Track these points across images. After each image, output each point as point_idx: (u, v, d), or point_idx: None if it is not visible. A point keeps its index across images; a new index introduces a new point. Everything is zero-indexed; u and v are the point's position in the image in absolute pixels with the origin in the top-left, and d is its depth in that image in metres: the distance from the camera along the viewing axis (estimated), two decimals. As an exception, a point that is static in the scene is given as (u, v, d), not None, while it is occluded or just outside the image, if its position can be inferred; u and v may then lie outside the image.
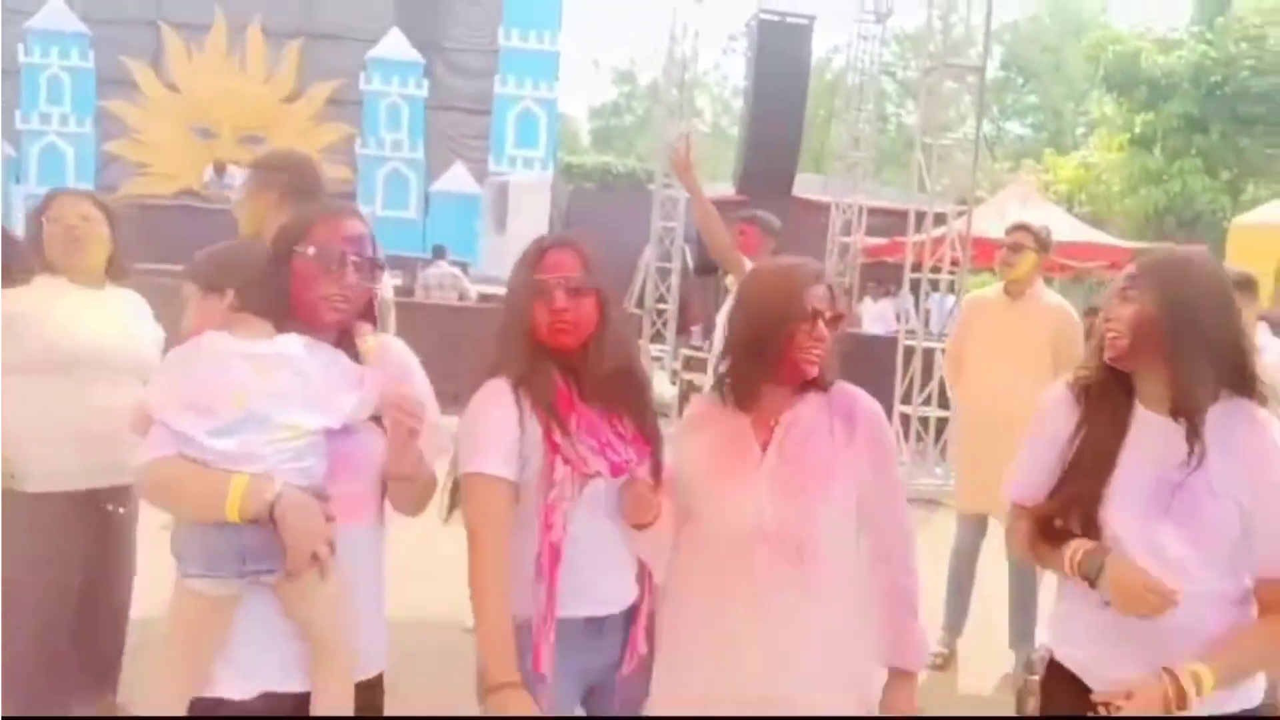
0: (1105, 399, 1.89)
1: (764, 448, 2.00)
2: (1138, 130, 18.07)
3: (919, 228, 8.48)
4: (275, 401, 1.78)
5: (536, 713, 1.82)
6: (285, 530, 1.73)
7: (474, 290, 11.09)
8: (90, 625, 2.97)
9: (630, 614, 2.05)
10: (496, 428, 1.91)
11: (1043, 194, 14.89)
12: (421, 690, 2.07)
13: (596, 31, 44.28)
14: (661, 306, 12.94)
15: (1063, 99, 30.90)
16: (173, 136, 15.94)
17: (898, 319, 13.76)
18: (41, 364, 2.74)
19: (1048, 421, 1.98)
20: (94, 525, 2.88)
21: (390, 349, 2.04)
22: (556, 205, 16.56)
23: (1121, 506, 1.83)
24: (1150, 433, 1.83)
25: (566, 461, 1.89)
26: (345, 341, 1.93)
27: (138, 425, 1.85)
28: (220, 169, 13.25)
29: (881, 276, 13.82)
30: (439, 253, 11.39)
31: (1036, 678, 2.01)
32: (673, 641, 2.05)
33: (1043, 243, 4.42)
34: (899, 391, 8.03)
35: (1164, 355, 1.79)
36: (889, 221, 14.36)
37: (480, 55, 17.04)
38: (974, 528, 4.49)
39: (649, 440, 2.02)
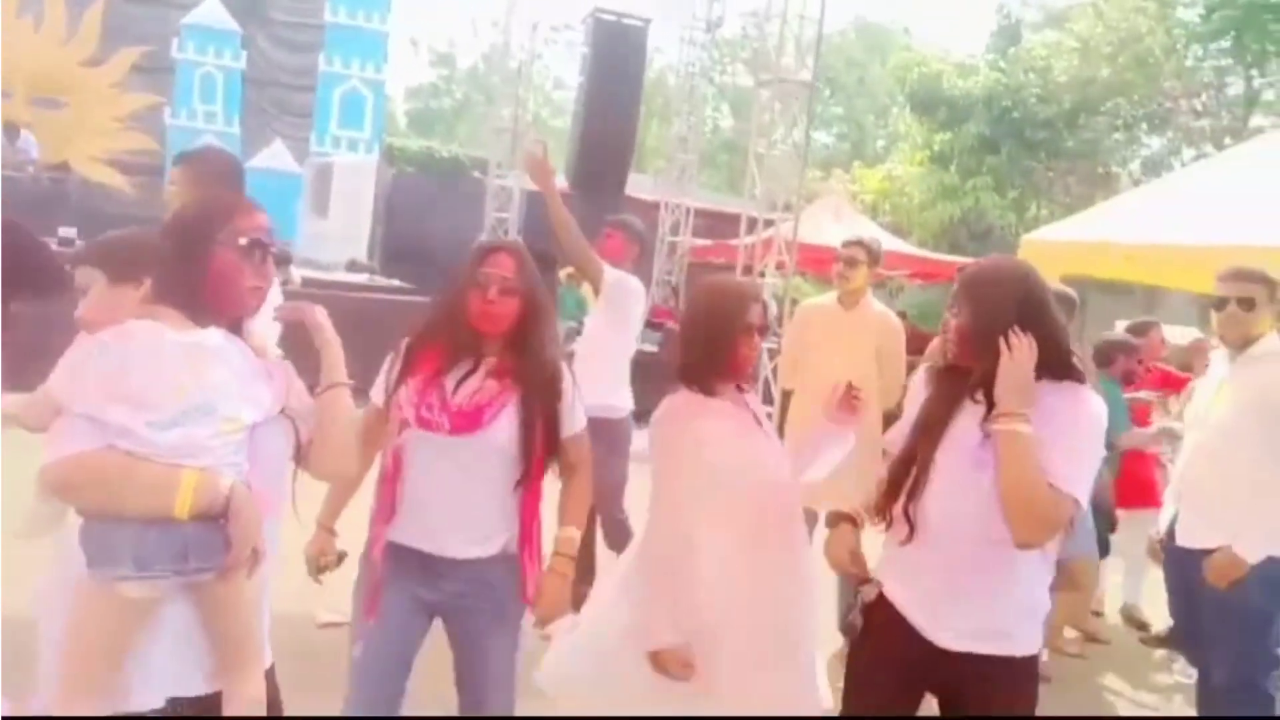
0: (945, 383, 2.31)
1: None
2: (936, 148, 19.44)
3: (741, 232, 8.89)
4: (214, 394, 1.75)
5: None
6: (237, 526, 1.70)
7: (298, 275, 10.72)
8: None
9: (478, 568, 2.40)
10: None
11: (851, 204, 15.80)
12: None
13: (413, 9, 43.06)
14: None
15: (864, 112, 32.77)
16: (-47, 95, 14.54)
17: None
18: None
19: (911, 397, 2.43)
20: None
21: (266, 341, 2.04)
22: (380, 189, 16.17)
23: (948, 457, 2.23)
24: (974, 409, 2.22)
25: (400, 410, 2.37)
26: (235, 332, 1.90)
27: (32, 418, 1.76)
28: (13, 132, 12.24)
29: (706, 276, 14.33)
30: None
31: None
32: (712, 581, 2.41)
33: (875, 256, 4.79)
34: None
35: (975, 355, 2.19)
36: (713, 223, 14.92)
37: (306, 30, 16.42)
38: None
39: (526, 424, 2.40)
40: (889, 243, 13.96)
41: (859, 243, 4.79)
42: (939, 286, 16.50)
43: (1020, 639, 2.22)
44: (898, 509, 2.29)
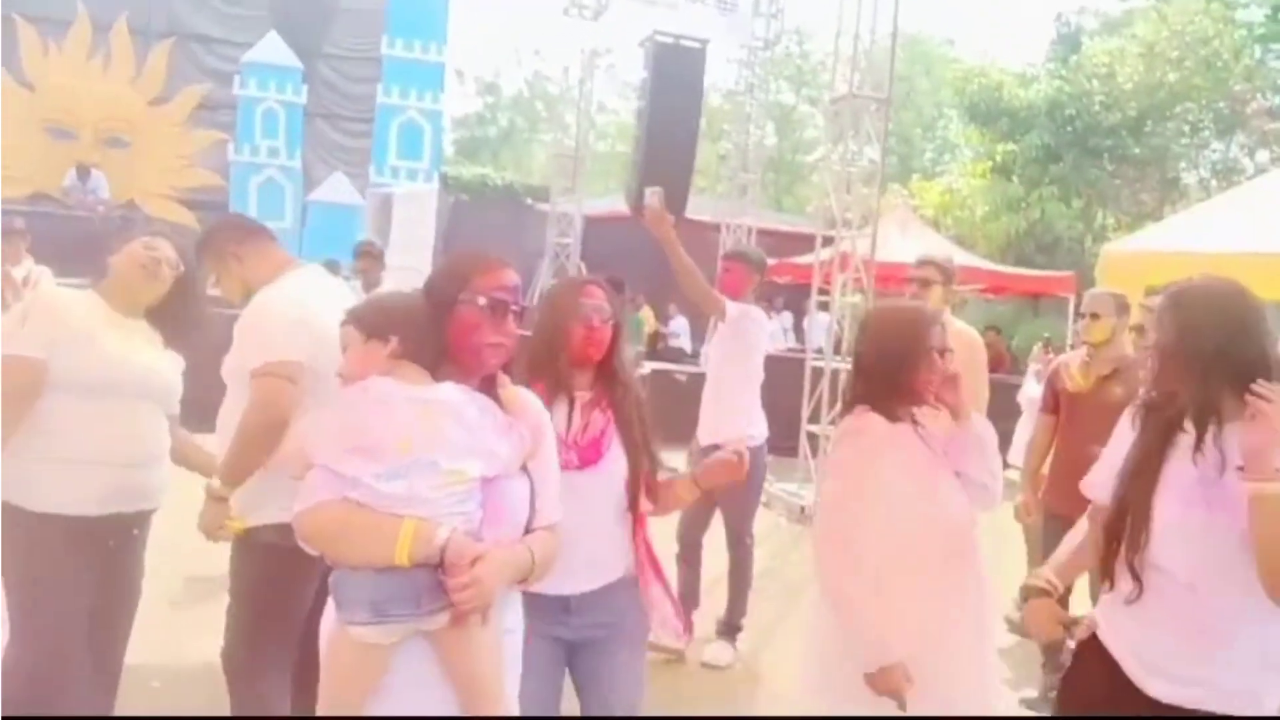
0: (1152, 421, 2.14)
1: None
2: (999, 159, 19.08)
3: (816, 249, 8.72)
4: (440, 447, 1.81)
5: None
6: (455, 573, 1.75)
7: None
8: (94, 655, 2.85)
9: (605, 597, 2.42)
10: None
11: (918, 219, 15.54)
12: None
13: (457, 39, 43.76)
14: (556, 323, 12.90)
15: (911, 125, 32.40)
16: (27, 137, 14.90)
17: (785, 336, 14.11)
18: (87, 385, 2.69)
19: (1117, 438, 2.24)
20: (108, 550, 2.81)
21: (527, 398, 2.08)
22: (439, 218, 16.26)
23: (1167, 501, 2.05)
24: (1185, 442, 2.06)
25: None
26: (486, 388, 1.97)
27: (293, 468, 1.84)
28: (84, 173, 12.50)
29: (771, 295, 14.13)
30: (332, 267, 10.98)
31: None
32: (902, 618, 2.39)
33: (949, 275, 4.64)
34: (806, 411, 8.21)
35: (1180, 379, 2.05)
36: (774, 242, 14.75)
37: (363, 63, 16.62)
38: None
39: (629, 449, 2.42)
40: (959, 257, 13.72)
41: (932, 262, 4.67)
42: (1007, 300, 16.18)
43: (1266, 697, 2.01)
44: (1119, 564, 2.11)
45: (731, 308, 4.55)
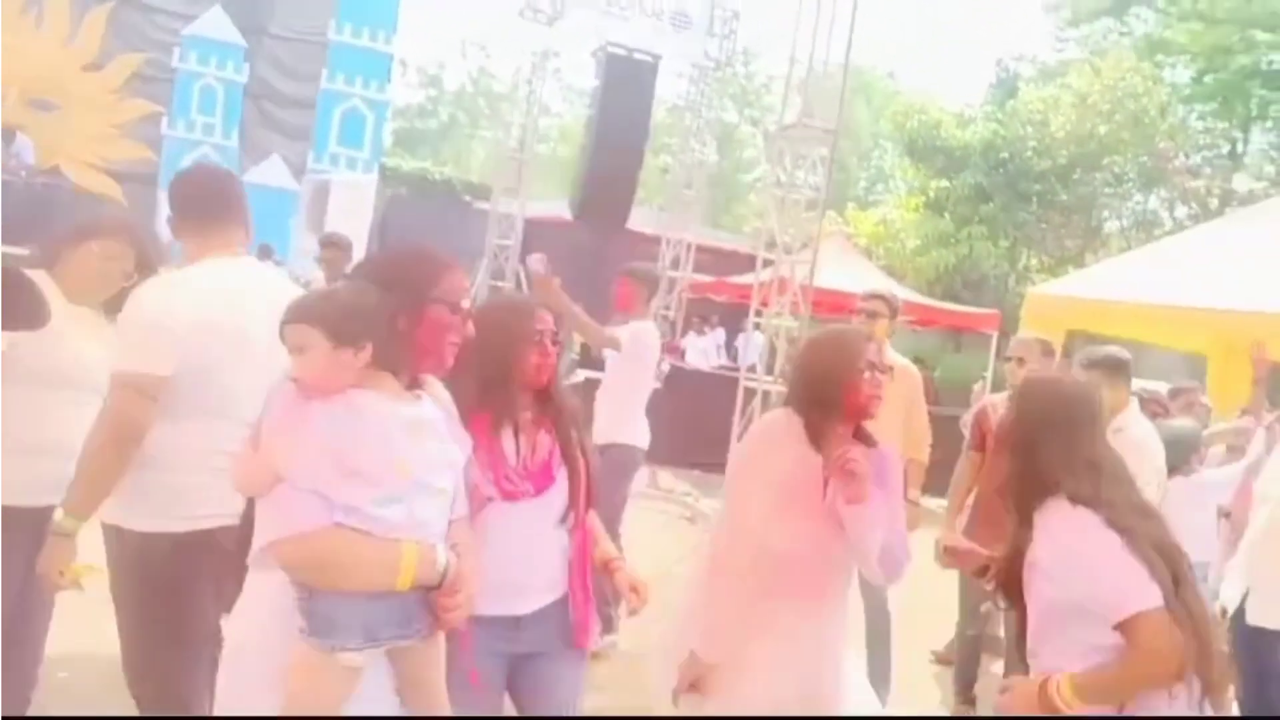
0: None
1: (825, 485, 2.43)
2: (932, 195, 19.54)
3: (751, 270, 8.84)
4: (431, 468, 1.79)
5: None
6: (450, 595, 1.78)
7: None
8: (15, 645, 2.76)
9: (548, 615, 2.41)
10: None
11: (853, 247, 15.83)
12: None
13: (402, 29, 43.24)
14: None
15: (848, 153, 33.05)
16: (-53, 92, 14.31)
17: (717, 353, 14.24)
18: (36, 375, 2.59)
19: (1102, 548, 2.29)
20: (40, 540, 2.58)
21: (440, 389, 2.04)
22: (374, 210, 16.04)
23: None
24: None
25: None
26: (415, 384, 1.93)
27: (254, 485, 1.72)
28: (9, 135, 12.02)
29: (705, 313, 14.25)
30: (265, 252, 10.79)
31: None
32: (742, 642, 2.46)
33: (894, 309, 4.77)
34: (737, 430, 8.30)
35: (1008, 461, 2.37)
36: (711, 259, 14.90)
37: (309, 46, 16.36)
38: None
39: (570, 461, 2.42)
40: (882, 284, 14.00)
41: (880, 296, 4.80)
42: (932, 333, 16.57)
43: None
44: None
45: (623, 332, 4.91)
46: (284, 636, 1.74)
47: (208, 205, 2.68)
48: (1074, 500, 2.19)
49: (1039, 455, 2.26)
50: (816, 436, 2.50)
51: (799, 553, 2.47)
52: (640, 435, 5.11)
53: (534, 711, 2.52)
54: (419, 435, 1.80)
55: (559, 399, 2.47)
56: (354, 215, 14.78)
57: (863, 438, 2.57)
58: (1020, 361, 4.48)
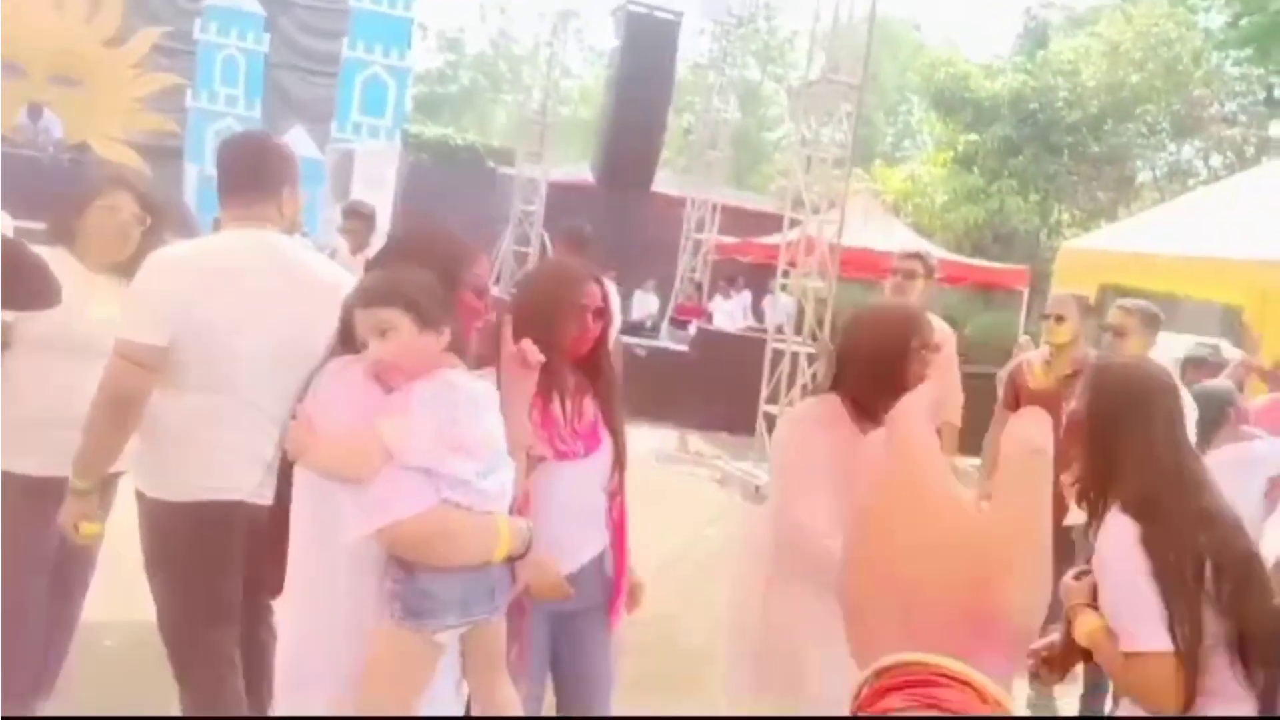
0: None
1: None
2: (961, 149, 19.27)
3: (777, 231, 8.77)
4: (502, 439, 1.86)
5: None
6: (526, 560, 1.86)
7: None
8: (50, 614, 2.82)
9: (588, 574, 2.51)
10: None
11: (881, 205, 15.65)
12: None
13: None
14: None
15: (874, 108, 32.58)
16: (-27, 70, 14.41)
17: (744, 315, 14.17)
18: (65, 347, 2.60)
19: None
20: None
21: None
22: (399, 178, 16.02)
23: None
24: None
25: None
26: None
27: (358, 469, 1.71)
28: (36, 112, 12.11)
29: (731, 274, 14.16)
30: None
31: None
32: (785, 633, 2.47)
33: (930, 269, 4.69)
34: (765, 391, 8.28)
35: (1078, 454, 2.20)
36: (737, 220, 14.78)
37: (329, 14, 16.27)
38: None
39: (613, 433, 2.53)
40: (909, 243, 13.84)
41: (917, 255, 4.74)
42: (962, 290, 16.40)
43: None
44: None
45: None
46: (356, 625, 1.74)
47: (237, 176, 2.66)
48: (1124, 508, 2.06)
49: (1109, 452, 2.10)
50: (861, 416, 2.49)
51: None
52: None
53: (574, 671, 2.59)
54: (495, 407, 1.87)
55: (603, 368, 2.54)
56: (378, 184, 14.74)
57: None
58: (1059, 319, 4.41)
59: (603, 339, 2.52)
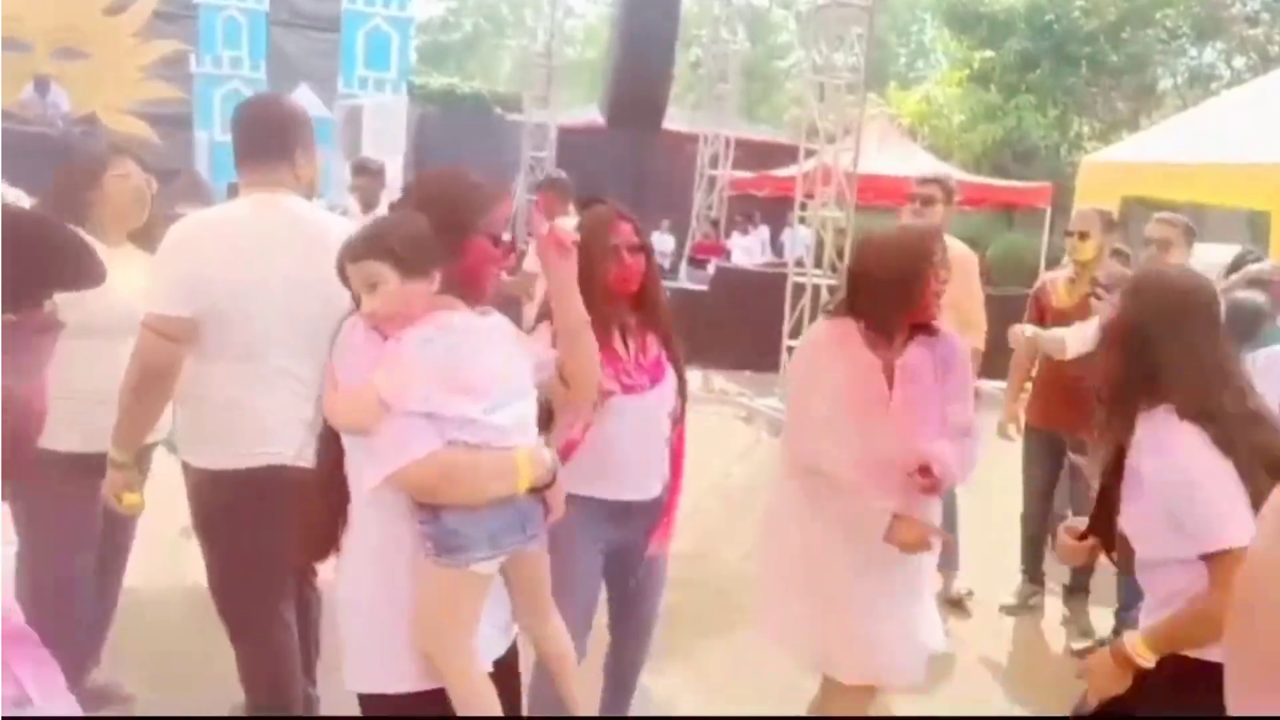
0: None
1: (889, 387, 2.46)
2: (976, 67, 18.85)
3: (792, 163, 8.64)
4: (520, 371, 1.89)
5: None
6: (556, 490, 1.88)
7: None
8: (97, 587, 2.89)
9: (654, 505, 2.64)
10: None
11: (897, 129, 15.39)
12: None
13: (422, -61, 42.11)
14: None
15: (886, 30, 31.86)
16: (-25, 48, 14.34)
17: (762, 250, 14.07)
18: (94, 326, 2.56)
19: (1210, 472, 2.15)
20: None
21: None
22: (408, 131, 15.89)
23: None
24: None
25: None
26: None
27: (354, 420, 1.75)
28: (43, 86, 12.07)
29: (748, 210, 14.03)
30: (302, 183, 10.73)
31: None
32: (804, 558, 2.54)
33: (950, 194, 4.60)
34: (788, 326, 8.24)
35: (1114, 364, 2.20)
36: (750, 154, 14.59)
37: (326, -32, 16.02)
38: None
39: (674, 364, 2.63)
40: (929, 166, 13.59)
41: (936, 180, 4.64)
42: (983, 212, 16.18)
43: None
44: None
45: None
46: (401, 564, 1.80)
47: (250, 142, 2.64)
48: (1182, 414, 2.01)
49: (1150, 358, 2.06)
50: (874, 340, 2.50)
51: (873, 455, 2.46)
52: None
53: (623, 591, 2.75)
54: (505, 342, 1.89)
55: (658, 303, 2.63)
56: (388, 138, 14.65)
57: (922, 330, 2.55)
58: (1082, 235, 4.34)
59: (650, 275, 2.59)
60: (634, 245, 2.53)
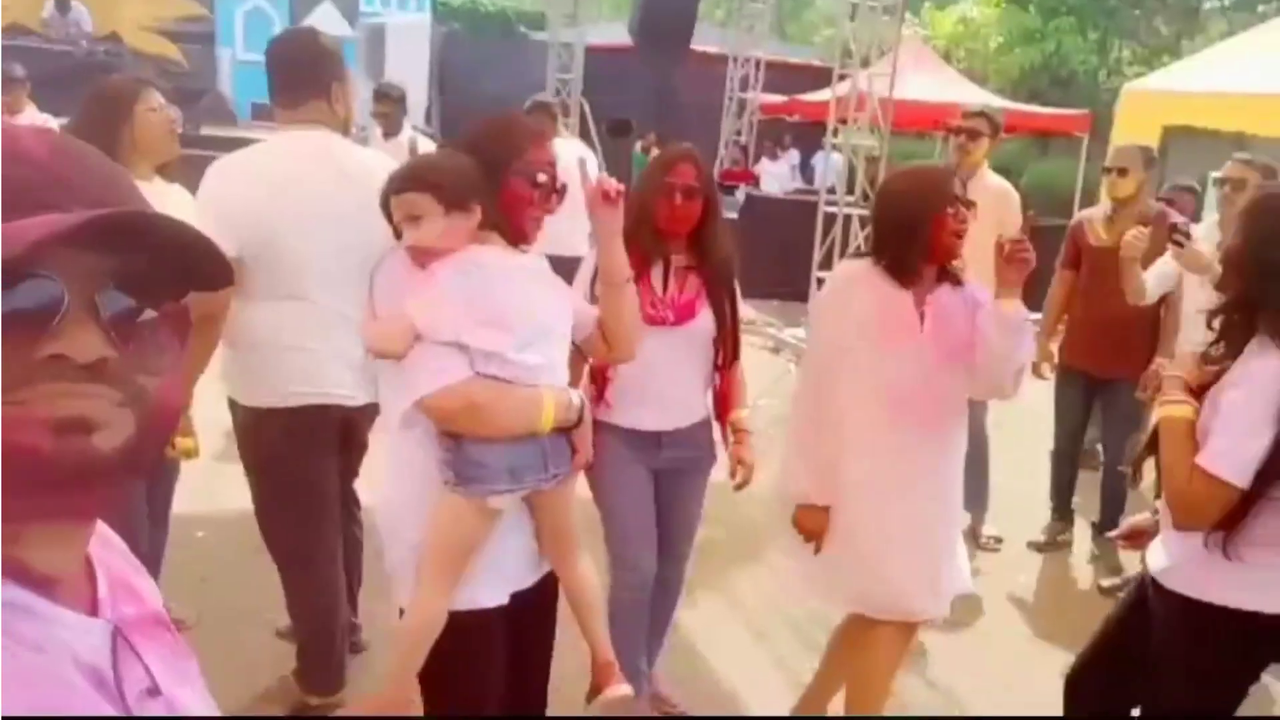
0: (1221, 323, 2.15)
1: (921, 320, 2.46)
2: (1015, -14, 18.31)
3: (833, 86, 8.46)
4: (554, 313, 1.91)
5: None
6: (583, 432, 1.91)
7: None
8: (150, 509, 2.95)
9: (686, 435, 2.75)
10: None
11: (932, 52, 15.00)
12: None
13: None
14: (559, 163, 12.42)
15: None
16: (-3, -37, 14.14)
17: (793, 175, 13.86)
18: None
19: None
20: None
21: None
22: (431, 50, 15.64)
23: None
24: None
25: None
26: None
27: (394, 346, 1.78)
28: (64, 4, 11.93)
29: (778, 134, 13.78)
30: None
31: None
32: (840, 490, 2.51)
33: (996, 127, 4.51)
34: (818, 255, 8.16)
35: (1239, 287, 2.10)
36: (782, 76, 14.28)
37: (347, -120, 15.61)
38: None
39: (715, 305, 2.67)
40: (964, 92, 13.26)
41: (983, 114, 4.54)
42: (1018, 138, 15.85)
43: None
44: None
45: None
46: (430, 494, 1.86)
47: (285, 78, 2.63)
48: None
49: (1262, 280, 2.01)
50: (900, 278, 2.46)
51: (903, 384, 2.44)
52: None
53: (661, 518, 2.82)
54: (538, 283, 1.91)
55: (713, 248, 2.66)
56: (411, 58, 14.45)
57: (948, 278, 2.51)
58: (1121, 172, 4.24)
59: (708, 220, 2.63)
60: (691, 188, 2.56)
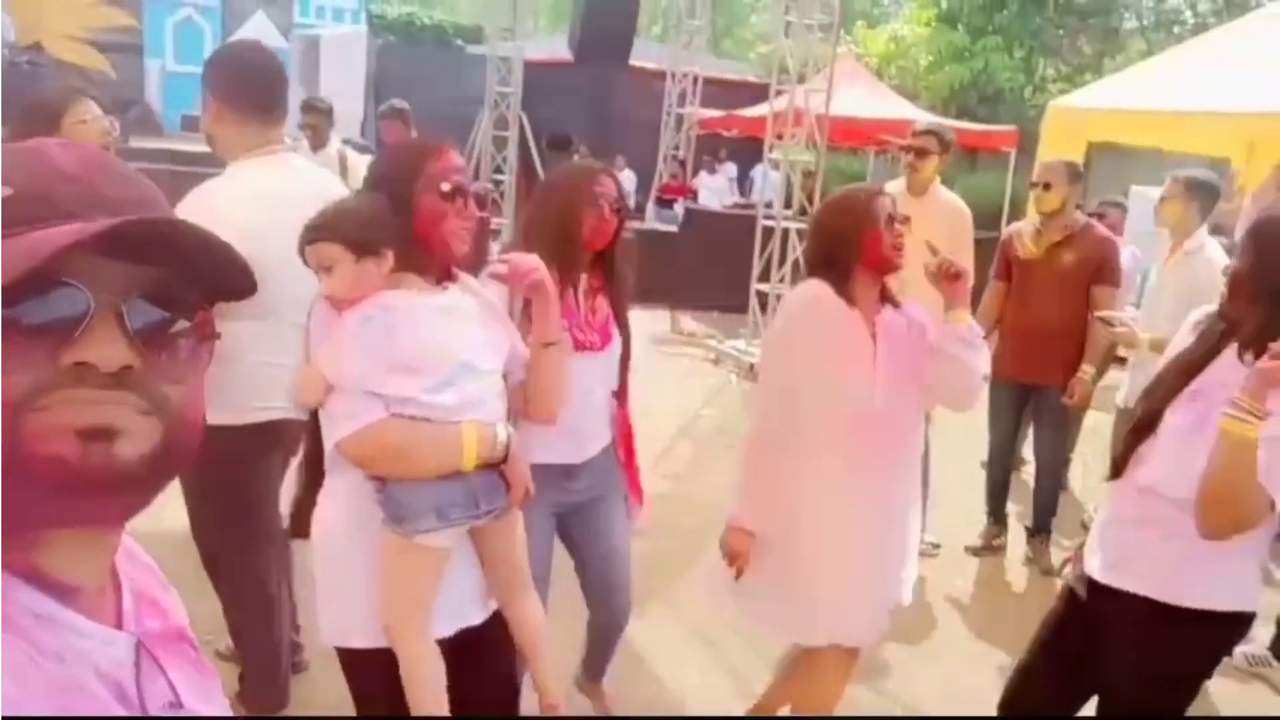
0: (1212, 331, 2.18)
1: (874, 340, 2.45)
2: (945, 6, 18.73)
3: (760, 101, 8.56)
4: (471, 350, 1.87)
5: None
6: (515, 468, 1.88)
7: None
8: None
9: (598, 464, 2.60)
10: None
11: (865, 69, 15.29)
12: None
13: None
14: (499, 178, 12.28)
15: (855, -33, 31.47)
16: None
17: (730, 189, 14.01)
18: None
19: (1175, 342, 2.29)
20: None
21: (475, 284, 2.05)
22: (367, 63, 15.52)
23: (1176, 415, 2.14)
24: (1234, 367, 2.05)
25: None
26: (446, 275, 1.96)
27: (306, 396, 1.82)
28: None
29: (715, 149, 13.91)
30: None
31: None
32: (788, 510, 2.48)
33: (946, 145, 4.53)
34: (757, 269, 8.26)
35: (1244, 308, 2.07)
36: (719, 91, 14.46)
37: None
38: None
39: (621, 327, 2.60)
40: (897, 108, 13.53)
41: (933, 132, 4.55)
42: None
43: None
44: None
45: None
46: (369, 527, 1.86)
47: (250, 98, 2.52)
48: None
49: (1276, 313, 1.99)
50: (842, 291, 2.46)
51: (861, 405, 2.42)
52: None
53: (597, 552, 2.71)
54: (454, 320, 1.87)
55: (618, 267, 2.57)
56: (347, 70, 14.33)
57: (888, 299, 2.52)
58: (1047, 186, 4.37)
59: (618, 238, 2.54)
60: (615, 205, 2.50)
